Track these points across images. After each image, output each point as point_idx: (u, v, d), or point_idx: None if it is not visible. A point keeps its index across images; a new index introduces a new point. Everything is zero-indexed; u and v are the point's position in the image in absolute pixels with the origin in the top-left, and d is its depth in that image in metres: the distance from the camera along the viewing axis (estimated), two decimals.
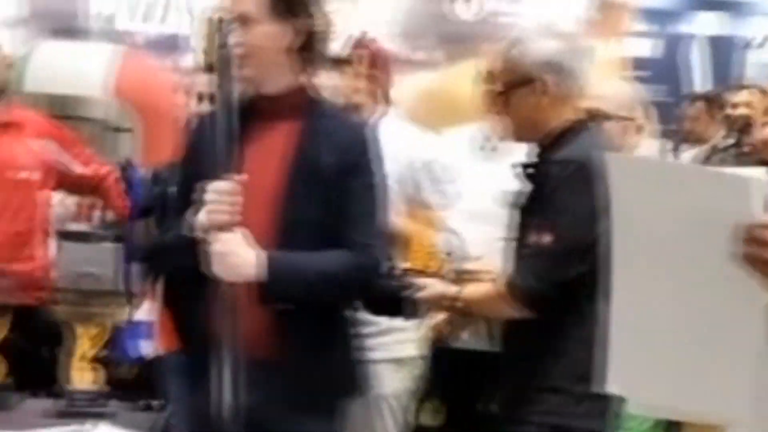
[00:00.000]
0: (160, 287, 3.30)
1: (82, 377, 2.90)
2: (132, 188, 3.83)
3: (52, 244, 3.85)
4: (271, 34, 2.58)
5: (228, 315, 2.43)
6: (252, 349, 2.45)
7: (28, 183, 3.84)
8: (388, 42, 5.71)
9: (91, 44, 5.70)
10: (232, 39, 2.46)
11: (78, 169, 3.95)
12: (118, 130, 4.85)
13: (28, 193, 3.85)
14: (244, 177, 2.46)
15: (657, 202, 1.61)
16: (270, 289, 2.49)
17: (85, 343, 2.92)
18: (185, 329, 2.81)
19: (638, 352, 1.67)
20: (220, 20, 2.45)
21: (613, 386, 1.72)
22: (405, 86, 5.38)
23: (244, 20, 2.57)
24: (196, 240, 2.47)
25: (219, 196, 2.44)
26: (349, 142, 2.62)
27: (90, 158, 4.00)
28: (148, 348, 3.49)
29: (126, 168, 3.76)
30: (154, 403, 2.98)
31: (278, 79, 2.63)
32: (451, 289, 2.86)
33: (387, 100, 3.62)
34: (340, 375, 2.67)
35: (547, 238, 2.58)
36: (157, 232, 3.03)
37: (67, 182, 3.97)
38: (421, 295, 2.85)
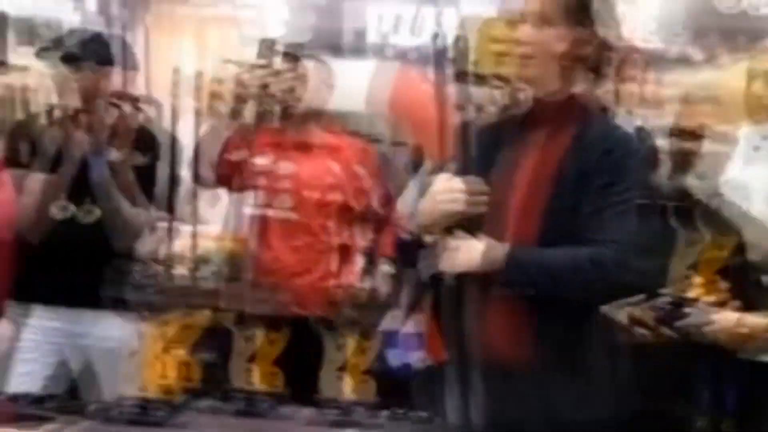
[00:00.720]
0: (428, 296, 3.31)
1: (353, 388, 2.94)
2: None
3: (356, 261, 3.95)
4: (563, 38, 2.54)
5: (473, 320, 2.43)
6: (505, 358, 2.44)
7: (334, 204, 3.94)
8: (651, 39, 5.54)
9: (356, 60, 5.79)
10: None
11: (376, 207, 4.02)
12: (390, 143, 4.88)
13: (334, 213, 3.94)
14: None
15: None
16: (505, 277, 2.45)
17: (356, 354, 2.95)
18: (449, 338, 2.81)
19: None
20: (459, 37, 2.43)
21: None
22: (671, 84, 5.19)
23: (537, 20, 2.54)
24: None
25: (450, 192, 2.44)
26: (612, 148, 2.54)
27: (389, 199, 4.04)
28: (417, 358, 3.49)
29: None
30: (422, 414, 2.98)
31: (560, 85, 2.58)
32: (761, 321, 2.70)
33: (640, 101, 3.51)
34: (603, 385, 2.59)
35: None
36: None
37: (360, 215, 4.06)
38: (711, 329, 2.71)
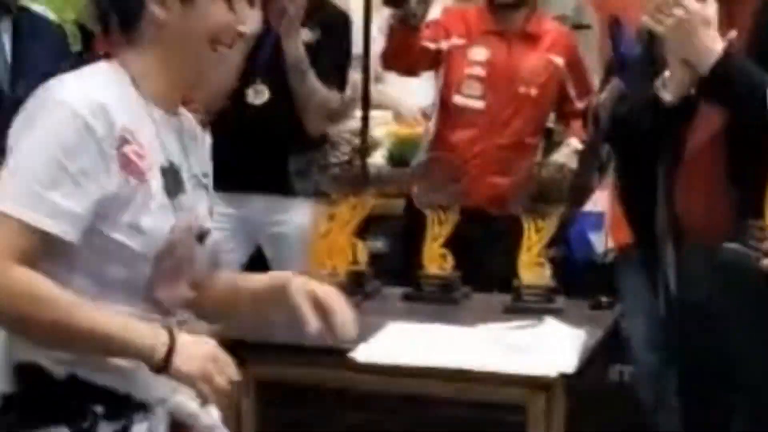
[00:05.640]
0: (614, 177, 3.14)
1: (531, 273, 2.83)
2: (618, 47, 3.60)
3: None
4: None
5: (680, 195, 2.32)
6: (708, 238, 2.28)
7: (528, 98, 3.75)
8: None
9: None
10: None
11: (575, 102, 3.79)
12: (578, 27, 4.66)
13: (527, 107, 3.76)
14: None
15: None
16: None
17: (532, 237, 2.83)
18: (637, 220, 2.67)
19: None
20: None
21: None
22: None
23: None
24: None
25: None
26: None
27: (589, 90, 3.76)
28: (599, 242, 3.33)
29: (613, 26, 3.54)
30: (604, 300, 2.85)
31: None
32: None
33: None
34: None
35: None
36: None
37: (559, 110, 3.88)
38: None
